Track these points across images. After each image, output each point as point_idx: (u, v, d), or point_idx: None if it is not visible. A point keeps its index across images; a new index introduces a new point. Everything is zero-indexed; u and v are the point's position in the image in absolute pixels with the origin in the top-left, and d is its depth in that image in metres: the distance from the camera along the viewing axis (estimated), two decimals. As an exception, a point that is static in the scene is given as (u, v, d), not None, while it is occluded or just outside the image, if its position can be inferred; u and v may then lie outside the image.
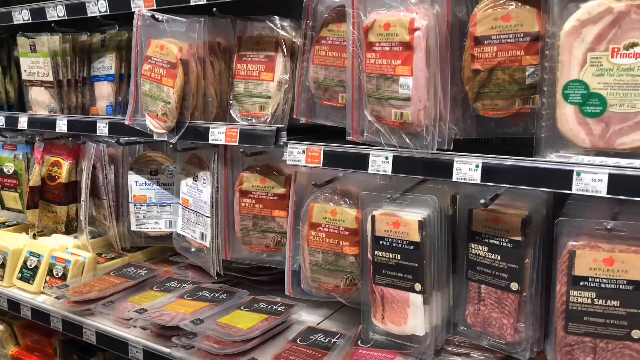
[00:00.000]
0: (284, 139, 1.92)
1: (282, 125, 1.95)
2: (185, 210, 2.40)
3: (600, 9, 1.31)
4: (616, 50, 1.31)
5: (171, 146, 2.19)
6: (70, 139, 2.78)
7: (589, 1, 1.33)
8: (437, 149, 1.59)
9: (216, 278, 2.33)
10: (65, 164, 2.73)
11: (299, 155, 1.86)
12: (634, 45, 1.29)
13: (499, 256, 1.62)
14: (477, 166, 1.53)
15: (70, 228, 2.79)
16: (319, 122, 1.98)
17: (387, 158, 1.68)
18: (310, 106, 1.99)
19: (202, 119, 2.18)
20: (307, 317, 2.17)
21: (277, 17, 2.10)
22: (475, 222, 1.69)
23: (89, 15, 2.40)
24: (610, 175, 1.33)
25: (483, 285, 1.68)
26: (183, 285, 2.35)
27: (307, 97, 1.98)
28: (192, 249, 2.45)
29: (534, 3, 1.46)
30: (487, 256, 1.65)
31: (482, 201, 1.55)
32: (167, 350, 1.93)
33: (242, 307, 2.10)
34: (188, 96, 2.13)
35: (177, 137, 2.15)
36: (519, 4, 1.48)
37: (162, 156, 2.59)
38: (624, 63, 1.30)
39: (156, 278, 2.45)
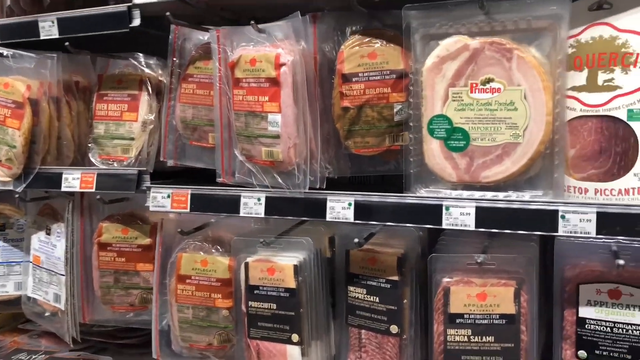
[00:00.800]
0: (147, 183, 1.75)
1: (145, 168, 1.78)
2: (37, 269, 2.10)
3: (457, 45, 1.34)
4: (474, 85, 1.34)
5: (17, 196, 1.93)
6: None
7: (447, 38, 1.36)
8: (310, 188, 1.52)
9: (72, 345, 2.03)
10: None
11: (163, 200, 1.70)
12: (489, 80, 1.32)
13: (377, 298, 1.56)
14: (350, 204, 1.48)
15: None
16: (189, 164, 1.85)
17: (259, 199, 1.58)
18: (179, 147, 1.86)
19: (57, 165, 1.95)
20: (179, 381, 1.95)
21: (141, 55, 1.97)
22: (352, 263, 1.62)
23: None
24: (477, 209, 1.33)
25: (363, 331, 1.60)
26: (34, 356, 2.04)
27: (175, 138, 1.85)
28: (47, 314, 2.14)
29: (397, 41, 1.48)
30: (366, 299, 1.58)
31: (356, 240, 1.49)
32: None
33: (102, 377, 1.84)
34: (38, 139, 1.90)
35: (23, 185, 1.89)
36: (384, 42, 1.49)
37: (10, 208, 2.27)
38: (482, 98, 1.33)
39: (0, 351, 2.09)
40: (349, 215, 1.47)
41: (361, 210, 1.46)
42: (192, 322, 1.74)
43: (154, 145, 1.91)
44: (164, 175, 1.85)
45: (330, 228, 1.74)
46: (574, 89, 1.33)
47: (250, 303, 1.60)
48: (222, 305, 1.70)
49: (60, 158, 1.98)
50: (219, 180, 1.67)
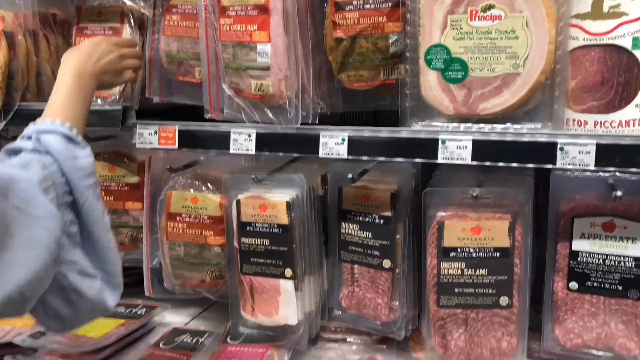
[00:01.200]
0: (133, 120, 1.69)
1: (129, 104, 1.71)
2: (23, 209, 2.06)
3: (457, -31, 1.27)
4: (474, 12, 1.27)
5: (-2, 134, 1.86)
6: None
7: (447, -39, 1.29)
8: (303, 124, 1.47)
9: (63, 284, 2.02)
10: None
11: (150, 136, 1.65)
12: (490, 7, 1.26)
13: (370, 234, 1.55)
14: (343, 140, 1.44)
15: None
16: (175, 101, 1.78)
17: (250, 135, 1.53)
18: (165, 83, 1.79)
19: (38, 102, 1.87)
20: (173, 318, 1.96)
21: (122, -15, 1.86)
22: (345, 200, 1.60)
23: None
24: (474, 142, 1.30)
25: (356, 266, 1.60)
26: (25, 296, 2.02)
27: (160, 74, 1.77)
28: (36, 254, 2.12)
29: (391, -34, 1.40)
30: (359, 235, 1.57)
31: (350, 176, 1.46)
32: (0, 373, 1.63)
33: (95, 315, 1.84)
34: (16, 75, 1.81)
35: (4, 123, 1.82)
36: (378, -32, 1.41)
37: (-8, 148, 2.21)
38: (482, 26, 1.27)
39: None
40: (342, 151, 1.44)
41: (355, 145, 1.42)
42: (183, 259, 1.73)
43: (139, 82, 1.84)
44: (152, 114, 1.78)
45: (323, 166, 1.71)
46: (577, 16, 1.27)
47: (242, 240, 1.59)
48: (214, 242, 1.68)
49: (40, 95, 1.90)
50: (207, 116, 1.61)
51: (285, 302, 1.56)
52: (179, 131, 1.61)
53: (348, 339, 1.66)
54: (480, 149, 1.30)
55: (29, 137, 1.23)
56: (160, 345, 1.71)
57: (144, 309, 1.87)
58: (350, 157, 1.43)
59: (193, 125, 1.60)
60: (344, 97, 1.59)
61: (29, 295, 1.00)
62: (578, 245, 1.34)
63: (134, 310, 1.86)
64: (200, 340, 1.73)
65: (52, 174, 1.14)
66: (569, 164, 1.21)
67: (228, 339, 1.64)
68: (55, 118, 1.26)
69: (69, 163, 1.17)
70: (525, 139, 1.25)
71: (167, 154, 1.84)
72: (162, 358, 1.61)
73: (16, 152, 1.23)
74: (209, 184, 1.71)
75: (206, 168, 1.80)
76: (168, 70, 1.75)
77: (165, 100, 1.80)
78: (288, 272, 1.54)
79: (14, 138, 2.04)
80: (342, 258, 1.63)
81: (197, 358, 1.59)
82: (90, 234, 1.17)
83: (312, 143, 1.47)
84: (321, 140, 1.46)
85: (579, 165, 1.20)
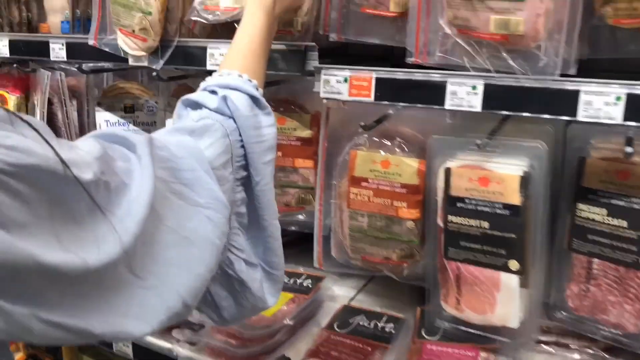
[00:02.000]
0: (315, 63, 1.39)
1: (312, 43, 1.41)
2: (174, 157, 1.88)
3: None
4: None
5: (154, 74, 1.64)
6: (15, 65, 2.16)
7: None
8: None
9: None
10: (12, 99, 2.12)
11: (338, 85, 1.35)
12: None
13: (626, 222, 1.19)
14: (618, 98, 1.06)
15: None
16: (358, 39, 1.45)
17: (474, 88, 1.19)
18: (344, 17, 1.45)
19: (192, 36, 1.62)
20: (335, 290, 1.74)
21: None
22: (588, 175, 1.24)
23: None
24: None
25: (596, 260, 1.26)
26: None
27: (341, 4, 1.44)
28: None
29: None
30: (606, 221, 1.22)
31: (629, 150, 1.09)
32: (168, 345, 1.47)
33: (256, 282, 1.64)
34: (173, 5, 1.56)
35: (162, 61, 1.59)
36: None
37: (138, 87, 2.03)
38: None
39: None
40: (614, 113, 1.06)
41: (635, 105, 1.04)
42: (366, 232, 1.46)
43: (312, 14, 1.52)
44: (320, 55, 1.47)
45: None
46: None
47: (450, 217, 1.28)
48: (407, 215, 1.39)
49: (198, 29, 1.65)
50: (410, 60, 1.28)
51: (505, 300, 1.25)
52: (377, 79, 1.30)
53: (570, 345, 1.35)
54: None
55: (213, 92, 1.02)
56: (335, 327, 1.48)
57: (310, 280, 1.65)
58: (626, 123, 1.06)
59: (396, 73, 1.27)
60: (606, 38, 1.19)
61: (191, 303, 0.78)
62: None
63: (299, 281, 1.64)
64: (381, 325, 1.48)
65: (232, 145, 0.96)
66: None
67: (423, 332, 1.38)
68: (242, 71, 1.06)
69: (251, 133, 0.98)
70: None
71: (343, 105, 1.54)
72: (344, 347, 1.38)
73: (197, 106, 1.01)
74: (403, 145, 1.40)
75: (396, 124, 1.49)
76: (352, 0, 1.42)
77: (344, 38, 1.48)
78: (513, 264, 1.23)
79: (171, 79, 1.84)
80: (574, 248, 1.29)
81: (391, 353, 1.35)
82: (259, 219, 1.00)
83: (568, 101, 1.10)
84: (582, 98, 1.09)
85: None
